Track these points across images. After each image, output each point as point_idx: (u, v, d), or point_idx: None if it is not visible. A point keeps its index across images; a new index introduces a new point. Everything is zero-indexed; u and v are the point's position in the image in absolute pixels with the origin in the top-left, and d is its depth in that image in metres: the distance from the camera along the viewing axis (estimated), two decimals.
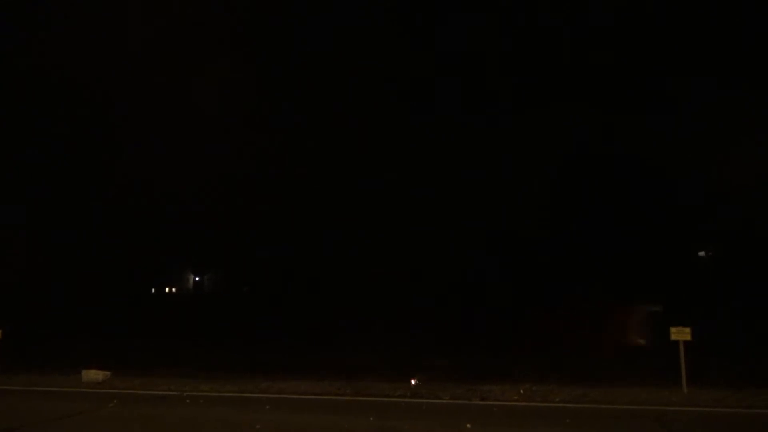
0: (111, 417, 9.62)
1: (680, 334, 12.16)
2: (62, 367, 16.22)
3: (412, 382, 13.91)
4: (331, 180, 48.23)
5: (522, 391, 11.92)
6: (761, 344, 18.64)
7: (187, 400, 11.37)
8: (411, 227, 40.71)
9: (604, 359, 17.33)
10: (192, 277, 62.48)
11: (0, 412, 10.24)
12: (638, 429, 8.62)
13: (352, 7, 60.06)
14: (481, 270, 35.29)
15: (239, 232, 48.94)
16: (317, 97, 54.40)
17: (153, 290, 57.51)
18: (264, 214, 48.35)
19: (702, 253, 38.95)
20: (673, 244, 36.08)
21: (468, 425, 8.68)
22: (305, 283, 40.55)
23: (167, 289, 60.24)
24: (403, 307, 28.46)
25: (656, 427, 8.50)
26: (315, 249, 42.86)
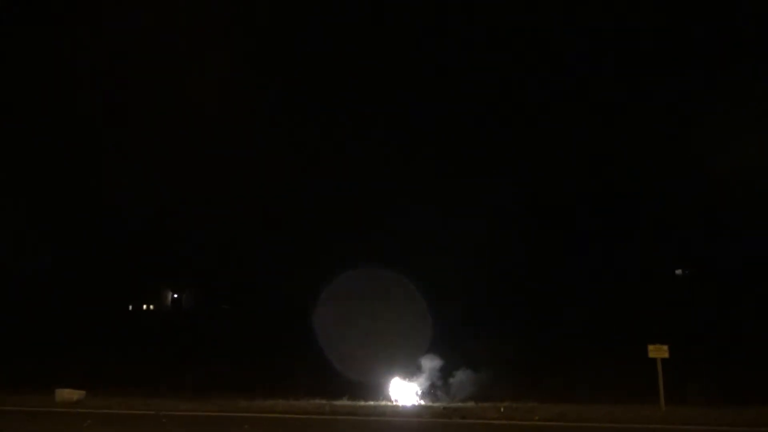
0: None
1: (658, 351, 12.25)
2: (36, 386, 15.89)
3: (394, 400, 13.86)
4: (321, 190, 48.21)
5: (502, 410, 11.92)
6: (738, 362, 18.90)
7: (164, 420, 11.20)
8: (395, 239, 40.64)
9: (584, 378, 17.41)
10: (170, 294, 61.69)
11: None
12: None
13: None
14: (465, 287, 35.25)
15: (218, 248, 48.58)
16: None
17: (130, 307, 56.69)
18: (244, 230, 48.07)
19: (679, 272, 39.44)
20: (649, 263, 36.51)
21: None
22: (286, 301, 40.20)
23: (144, 306, 59.40)
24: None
25: None
26: (297, 263, 42.58)
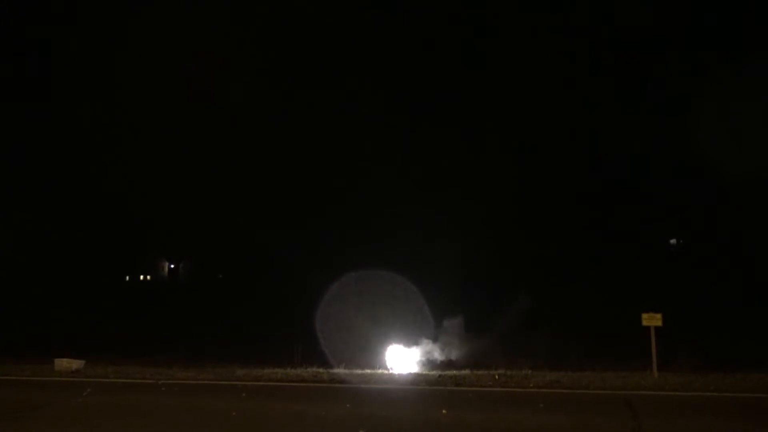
0: (85, 406, 9.52)
1: (652, 320, 12.40)
2: (35, 356, 15.99)
3: (390, 369, 14.02)
4: (315, 173, 48.23)
5: (496, 377, 12.07)
6: (728, 330, 19.14)
7: (163, 388, 11.30)
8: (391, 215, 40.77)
9: (577, 346, 17.63)
10: (167, 264, 61.78)
11: None
12: (609, 412, 8.79)
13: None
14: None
15: (214, 219, 48.59)
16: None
17: (127, 278, 56.83)
18: (239, 201, 48.03)
19: (673, 241, 39.65)
20: (644, 232, 36.67)
21: (443, 411, 8.78)
22: (284, 270, 40.33)
23: (142, 277, 59.53)
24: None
25: (626, 410, 8.67)
26: (293, 237, 42.70)
